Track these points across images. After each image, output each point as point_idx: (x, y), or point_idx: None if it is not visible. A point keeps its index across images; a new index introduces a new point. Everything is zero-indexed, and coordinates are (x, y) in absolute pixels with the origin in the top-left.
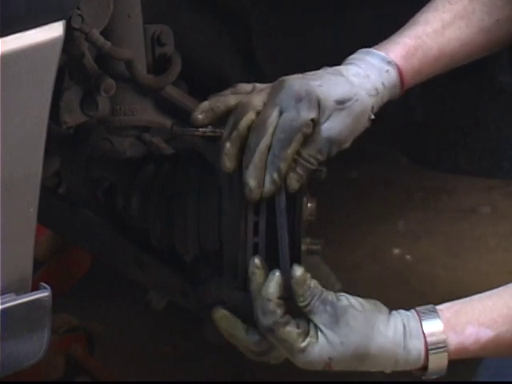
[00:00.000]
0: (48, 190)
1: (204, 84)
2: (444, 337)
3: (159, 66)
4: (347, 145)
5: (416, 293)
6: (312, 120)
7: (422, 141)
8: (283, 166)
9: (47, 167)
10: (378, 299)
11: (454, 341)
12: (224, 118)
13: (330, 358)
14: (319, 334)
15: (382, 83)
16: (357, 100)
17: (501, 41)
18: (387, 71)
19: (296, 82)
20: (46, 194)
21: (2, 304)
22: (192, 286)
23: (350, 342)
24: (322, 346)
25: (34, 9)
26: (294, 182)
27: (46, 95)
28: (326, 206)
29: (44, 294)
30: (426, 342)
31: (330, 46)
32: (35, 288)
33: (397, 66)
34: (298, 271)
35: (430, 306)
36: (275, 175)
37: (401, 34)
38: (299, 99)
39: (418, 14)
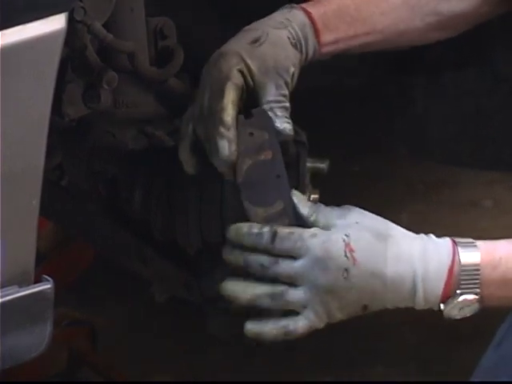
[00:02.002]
0: (50, 183)
1: None
2: (472, 240)
3: (162, 58)
4: (292, 70)
5: None
6: (240, 71)
7: (424, 132)
8: (223, 116)
9: (49, 160)
10: None
11: (483, 247)
12: None
13: (347, 236)
14: (331, 226)
15: (287, 19)
16: (267, 34)
17: (425, 24)
18: (289, 11)
19: (213, 54)
20: (48, 187)
21: (5, 296)
22: (195, 278)
23: (365, 221)
24: (336, 229)
25: (36, 1)
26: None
27: (48, 88)
28: (328, 199)
29: (46, 286)
30: (453, 241)
31: None
32: (38, 281)
33: (301, 7)
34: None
35: None
36: (221, 129)
37: None
38: (216, 62)
39: None
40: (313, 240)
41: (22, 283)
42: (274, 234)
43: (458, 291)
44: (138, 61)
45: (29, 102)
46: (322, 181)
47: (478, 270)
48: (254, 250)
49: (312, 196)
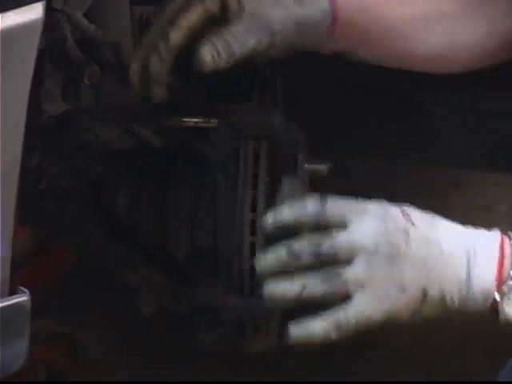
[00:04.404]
0: (28, 185)
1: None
2: None
3: None
4: (277, 38)
5: None
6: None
7: (432, 132)
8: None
9: (27, 160)
10: None
11: None
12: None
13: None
14: None
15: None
16: None
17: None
18: None
19: None
20: (25, 190)
21: None
22: (184, 288)
23: None
24: None
25: None
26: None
27: (24, 82)
28: None
29: (23, 298)
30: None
31: None
32: (13, 292)
33: None
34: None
35: None
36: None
37: None
38: None
39: None
40: (368, 204)
41: None
42: (324, 202)
43: None
44: (122, 53)
45: (4, 98)
46: (322, 183)
47: None
48: (298, 229)
49: None
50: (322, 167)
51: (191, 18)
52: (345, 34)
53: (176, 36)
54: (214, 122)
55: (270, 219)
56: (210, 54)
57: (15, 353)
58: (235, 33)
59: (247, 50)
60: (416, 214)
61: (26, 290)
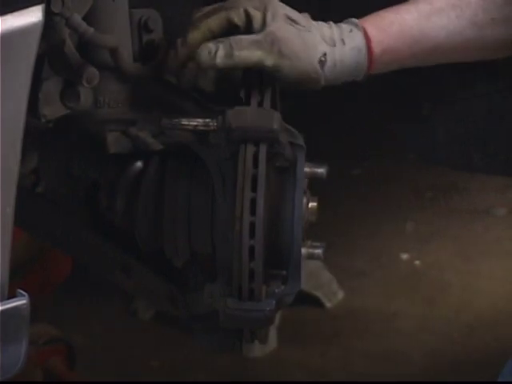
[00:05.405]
0: (25, 190)
1: None
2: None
3: (146, 53)
4: (284, 71)
5: (425, 301)
6: (246, 12)
7: (431, 135)
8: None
9: (24, 164)
10: (384, 308)
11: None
12: None
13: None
14: None
15: (342, 40)
16: (309, 31)
17: (495, 42)
18: (350, 31)
19: None
20: (22, 194)
21: None
22: (182, 293)
23: None
24: None
25: None
26: (220, 57)
27: (23, 85)
28: (328, 206)
29: (21, 301)
30: None
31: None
32: (12, 296)
33: (364, 29)
34: None
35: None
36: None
37: (385, 9)
38: None
39: None
40: None
41: None
42: None
43: None
44: (121, 56)
45: (2, 101)
46: (321, 186)
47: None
48: None
49: (310, 204)
50: (321, 170)
51: (212, 23)
52: (384, 60)
53: (193, 36)
54: (213, 125)
55: None
56: (208, 50)
57: (14, 355)
58: (243, 40)
59: (249, 61)
60: None
61: (24, 294)
